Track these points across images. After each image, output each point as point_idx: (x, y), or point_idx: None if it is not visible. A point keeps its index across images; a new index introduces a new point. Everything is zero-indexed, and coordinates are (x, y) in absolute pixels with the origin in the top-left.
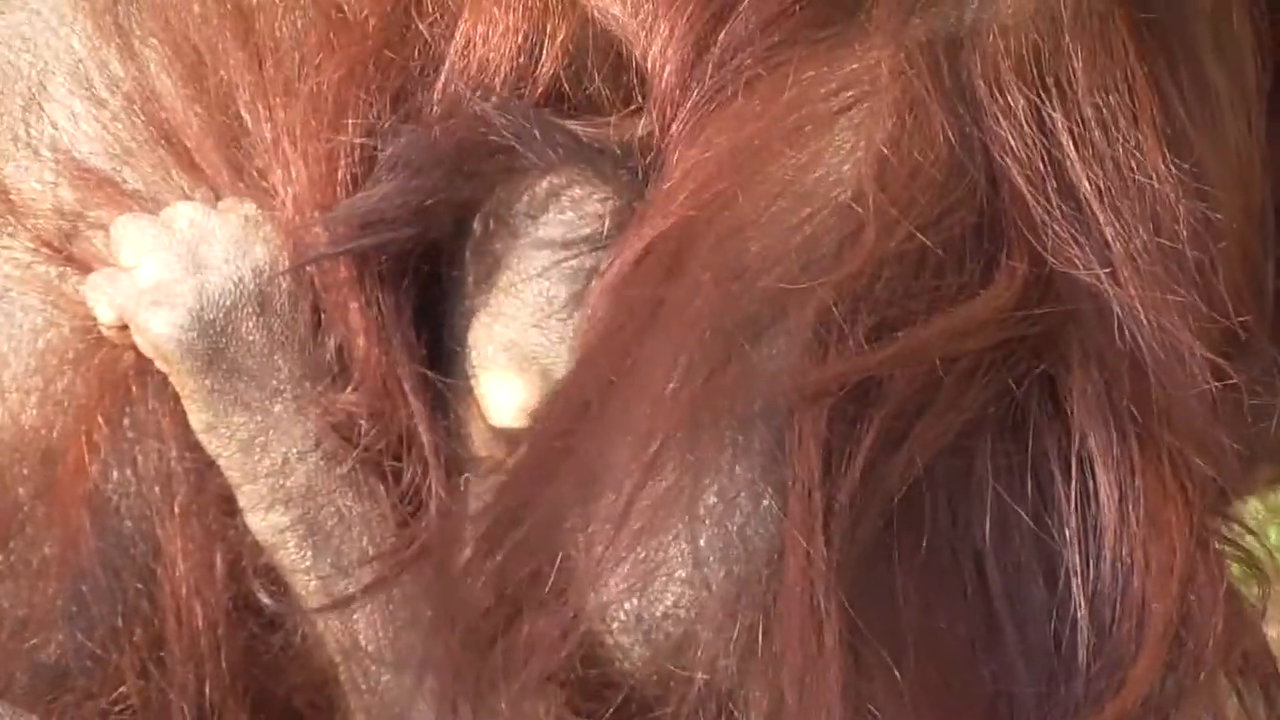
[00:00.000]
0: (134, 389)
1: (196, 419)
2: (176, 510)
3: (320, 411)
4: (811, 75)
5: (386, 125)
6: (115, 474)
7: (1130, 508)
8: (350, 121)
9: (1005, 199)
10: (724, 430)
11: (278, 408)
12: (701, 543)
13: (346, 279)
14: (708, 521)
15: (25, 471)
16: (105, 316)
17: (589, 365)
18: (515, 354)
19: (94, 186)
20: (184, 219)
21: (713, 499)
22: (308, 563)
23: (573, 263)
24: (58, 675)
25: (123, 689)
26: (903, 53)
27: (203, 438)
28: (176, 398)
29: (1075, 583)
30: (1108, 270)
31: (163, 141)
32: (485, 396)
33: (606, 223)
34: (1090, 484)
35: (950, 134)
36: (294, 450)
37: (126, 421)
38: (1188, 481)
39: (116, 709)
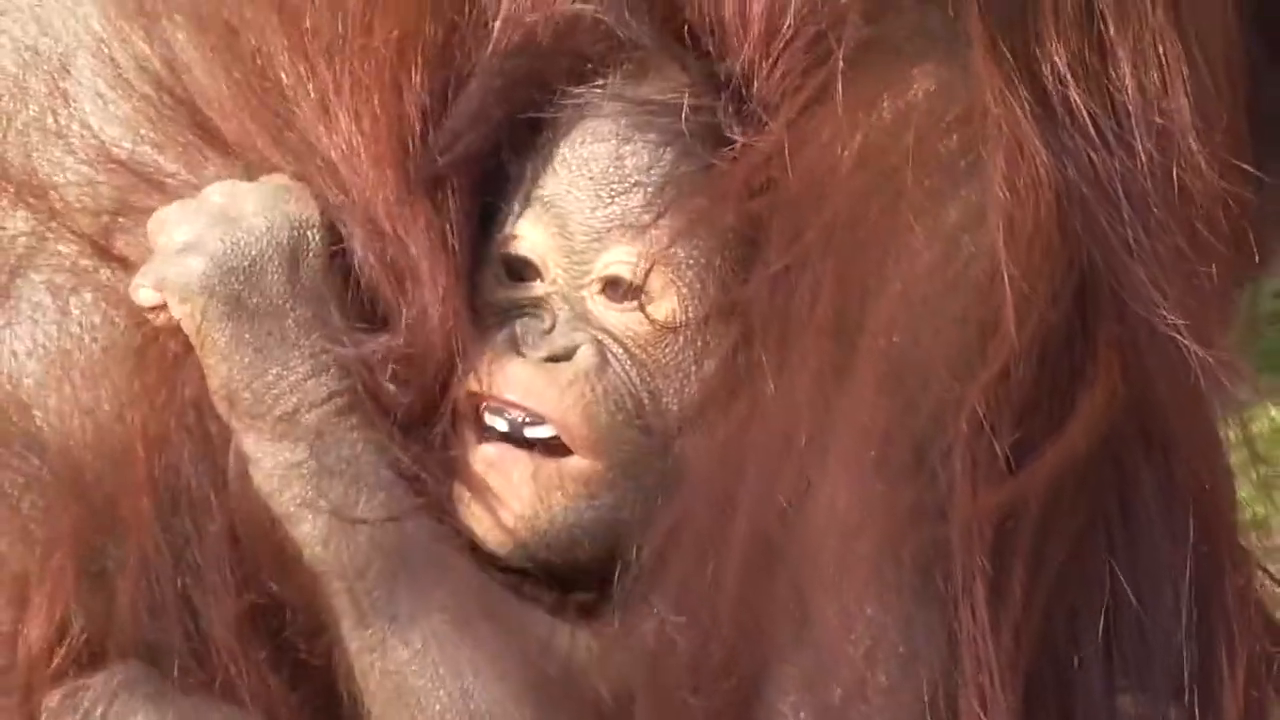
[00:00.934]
0: (185, 378)
1: (215, 373)
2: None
3: (339, 363)
4: (918, 97)
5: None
6: (176, 465)
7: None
8: (414, 75)
9: (1094, 234)
10: (906, 578)
11: (295, 357)
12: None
13: (422, 226)
14: (898, 673)
15: (104, 469)
16: (147, 298)
17: (764, 490)
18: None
19: (130, 178)
20: (217, 193)
21: (901, 648)
22: (316, 497)
23: (637, 137)
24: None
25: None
26: (1002, 83)
27: (218, 395)
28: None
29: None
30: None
31: (195, 120)
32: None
33: (686, 115)
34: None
35: (1053, 174)
36: (306, 400)
37: (180, 415)
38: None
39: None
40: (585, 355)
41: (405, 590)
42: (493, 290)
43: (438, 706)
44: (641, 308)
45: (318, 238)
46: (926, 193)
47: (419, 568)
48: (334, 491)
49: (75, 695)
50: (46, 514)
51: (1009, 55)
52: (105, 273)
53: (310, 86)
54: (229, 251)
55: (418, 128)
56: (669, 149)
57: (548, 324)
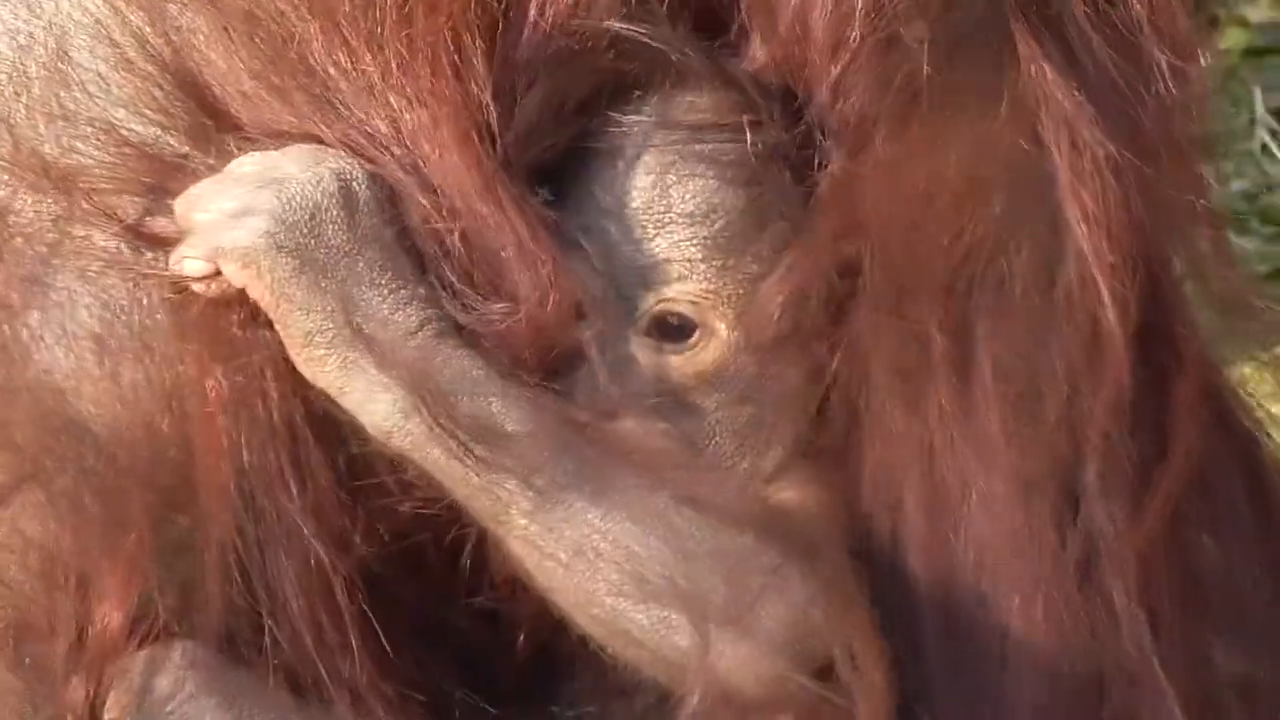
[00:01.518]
0: (238, 350)
1: (296, 327)
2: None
3: (421, 295)
4: (1000, 107)
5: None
6: (236, 446)
7: None
8: (470, 60)
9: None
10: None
11: (375, 295)
12: None
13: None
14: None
15: (164, 449)
16: (195, 268)
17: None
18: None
19: (145, 160)
20: (248, 164)
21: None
22: (445, 422)
23: (685, 165)
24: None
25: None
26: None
27: (303, 351)
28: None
29: None
30: None
31: (208, 101)
32: None
33: (740, 139)
34: None
35: (1106, 149)
36: (400, 329)
37: (236, 389)
38: None
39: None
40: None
41: (581, 467)
42: None
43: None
44: (690, 349)
45: (365, 186)
46: (1014, 208)
47: (583, 449)
48: (461, 411)
49: (145, 673)
50: (107, 500)
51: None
52: (134, 254)
53: (352, 76)
54: (286, 207)
55: (487, 110)
56: (721, 176)
57: (592, 377)
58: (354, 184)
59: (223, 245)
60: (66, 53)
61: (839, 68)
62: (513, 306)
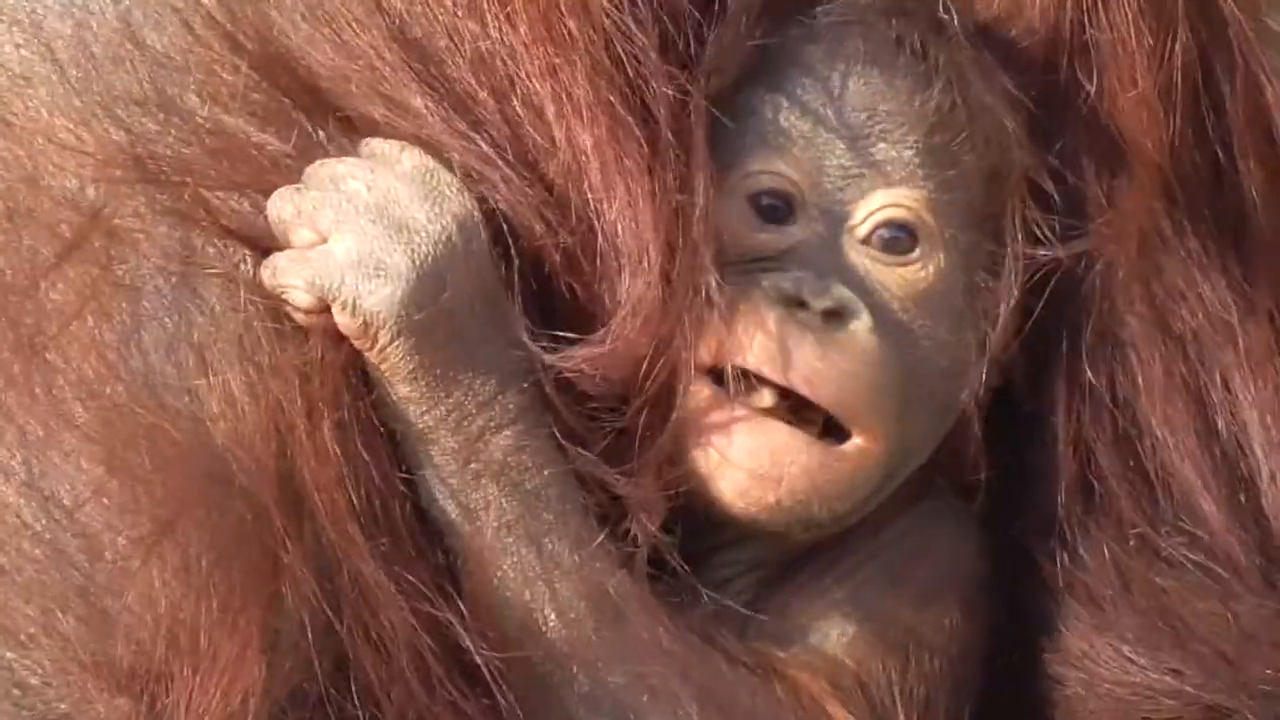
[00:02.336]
0: (337, 381)
1: (394, 390)
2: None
3: (522, 369)
4: None
5: None
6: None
7: None
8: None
9: None
10: None
11: (479, 378)
12: None
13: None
14: None
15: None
16: (302, 300)
17: None
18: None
19: (224, 148)
20: (351, 180)
21: None
22: (512, 526)
23: (901, 62)
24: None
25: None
26: None
27: (396, 410)
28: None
29: None
30: None
31: (293, 84)
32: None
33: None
34: None
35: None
36: (492, 423)
37: (330, 419)
38: None
39: None
40: (863, 325)
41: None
42: (738, 236)
43: None
44: (913, 263)
45: (482, 232)
46: None
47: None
48: (530, 523)
49: None
50: (236, 560)
51: None
52: (224, 255)
53: (462, 39)
54: (419, 274)
55: (632, 53)
56: (942, 77)
57: (810, 279)
58: (473, 231)
59: (348, 300)
60: (132, 31)
61: None
62: (606, 341)
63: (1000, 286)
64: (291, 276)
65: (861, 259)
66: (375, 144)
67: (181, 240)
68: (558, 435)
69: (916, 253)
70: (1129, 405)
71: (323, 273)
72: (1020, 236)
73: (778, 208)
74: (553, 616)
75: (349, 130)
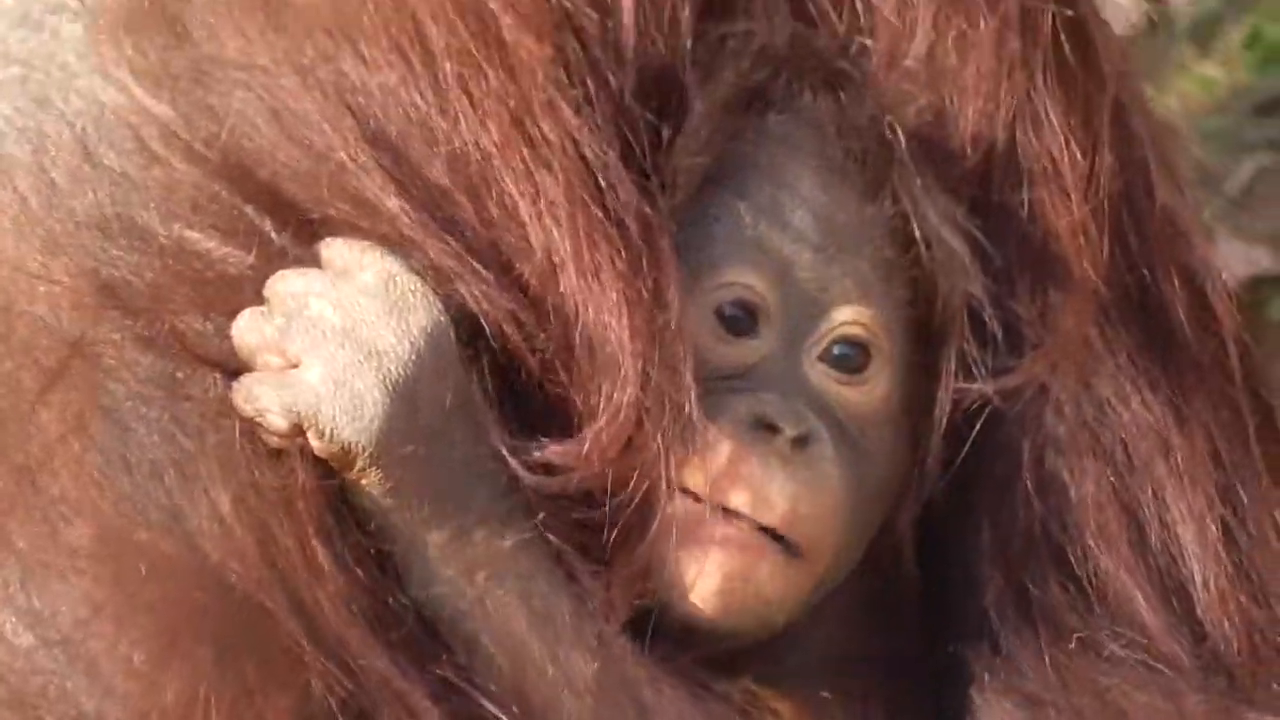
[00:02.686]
0: (319, 500)
1: (377, 503)
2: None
3: (499, 478)
4: None
5: None
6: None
7: None
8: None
9: None
10: None
11: (456, 482)
12: None
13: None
14: None
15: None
16: (278, 424)
17: None
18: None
19: (184, 267)
20: (315, 300)
21: None
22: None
23: (851, 173)
24: None
25: None
26: None
27: (378, 517)
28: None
29: None
30: None
31: (252, 192)
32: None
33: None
34: None
35: None
36: (469, 520)
37: (318, 536)
38: None
39: None
40: (827, 452)
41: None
42: (703, 348)
43: None
44: (866, 381)
45: (451, 337)
46: None
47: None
48: (525, 613)
49: None
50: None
51: None
52: (197, 378)
53: (435, 139)
54: (393, 399)
55: (601, 160)
56: (891, 194)
57: (778, 402)
58: (442, 340)
59: (323, 428)
60: (89, 152)
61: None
62: (583, 445)
63: (934, 416)
64: (266, 402)
65: (819, 376)
66: (336, 249)
67: (156, 364)
68: (539, 529)
69: (869, 370)
70: (1061, 515)
71: (298, 400)
72: (955, 368)
73: (741, 319)
74: (565, 691)
75: (311, 234)
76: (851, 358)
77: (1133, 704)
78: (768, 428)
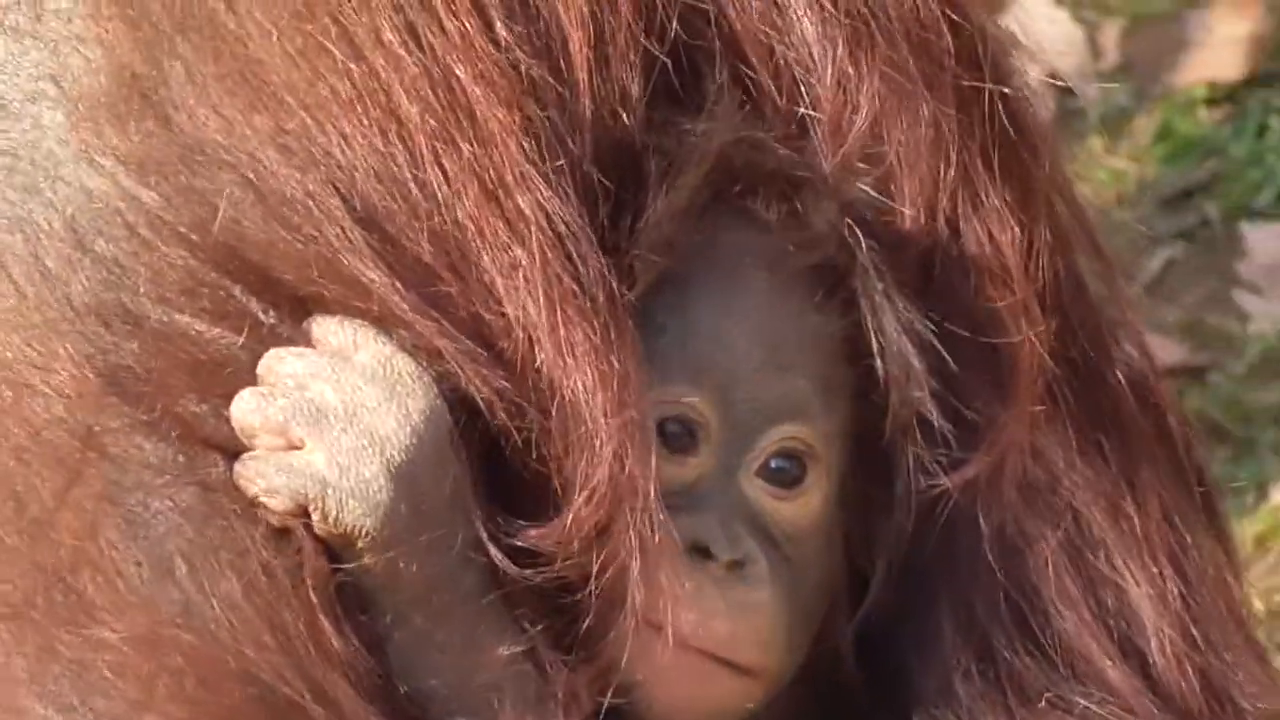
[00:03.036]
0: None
1: (373, 579)
2: None
3: (480, 560)
4: None
5: None
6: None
7: None
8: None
9: None
10: None
11: (448, 567)
12: None
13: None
14: None
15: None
16: (283, 505)
17: None
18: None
19: (190, 351)
20: (315, 382)
21: None
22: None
23: (797, 291)
24: None
25: None
26: None
27: (373, 589)
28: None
29: None
30: None
31: (241, 272)
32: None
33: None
34: None
35: None
36: (457, 596)
37: (326, 615)
38: None
39: None
40: (762, 573)
41: None
42: None
43: None
44: (802, 495)
45: (446, 418)
46: None
47: None
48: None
49: None
50: None
51: None
52: (198, 462)
53: (419, 215)
54: (397, 484)
55: (572, 232)
56: (844, 306)
57: (715, 527)
58: (438, 422)
59: (325, 509)
60: (80, 238)
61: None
62: (558, 527)
63: (876, 516)
64: (270, 483)
65: (756, 491)
66: (328, 328)
67: (158, 450)
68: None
69: (805, 483)
70: (1021, 583)
71: (303, 484)
72: (910, 472)
73: (681, 436)
74: None
75: (303, 312)
76: (787, 471)
77: None
78: (703, 552)
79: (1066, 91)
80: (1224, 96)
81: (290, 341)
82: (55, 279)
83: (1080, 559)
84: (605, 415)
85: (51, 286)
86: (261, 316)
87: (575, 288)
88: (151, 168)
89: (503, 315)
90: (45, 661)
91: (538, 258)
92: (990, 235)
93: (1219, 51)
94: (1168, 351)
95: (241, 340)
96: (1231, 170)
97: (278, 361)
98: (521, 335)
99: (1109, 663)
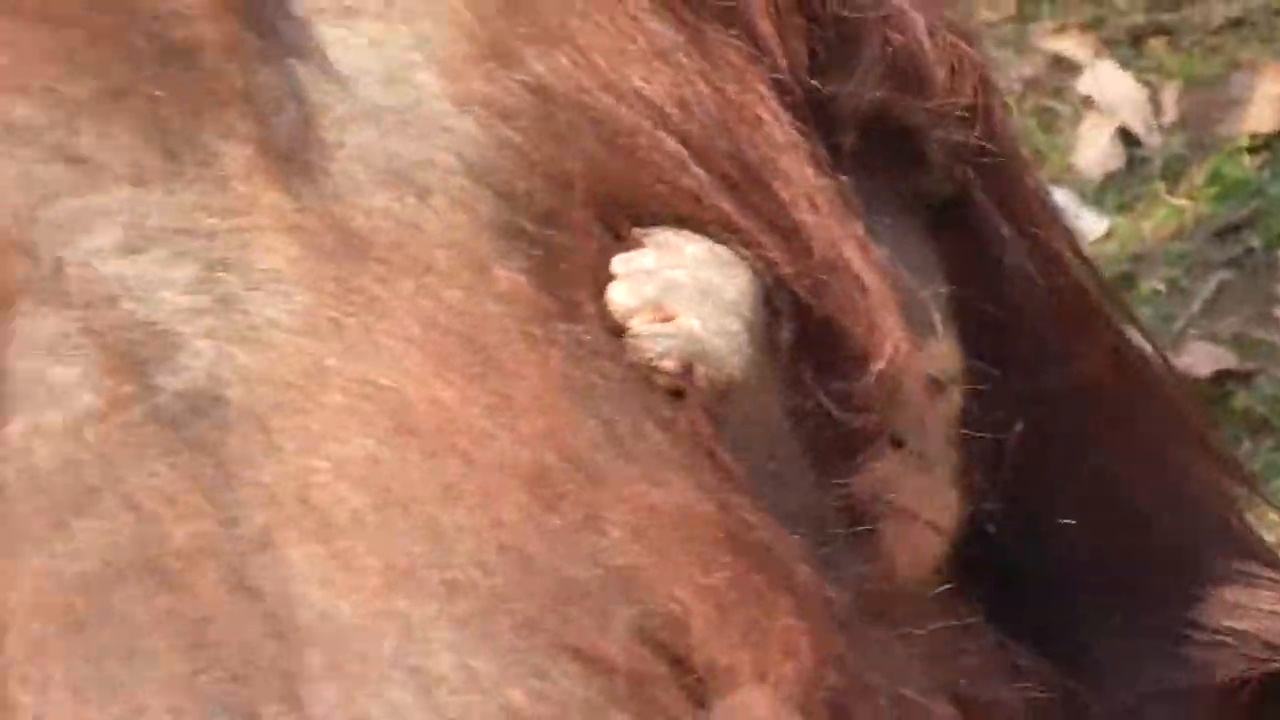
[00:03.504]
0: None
1: (739, 430)
2: None
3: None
4: None
5: None
6: None
7: None
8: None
9: None
10: None
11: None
12: None
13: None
14: None
15: None
16: (674, 367)
17: None
18: None
19: (564, 261)
20: (669, 271)
21: None
22: None
23: None
24: None
25: None
26: None
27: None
28: None
29: None
30: None
31: (587, 196)
32: None
33: None
34: None
35: None
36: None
37: None
38: None
39: None
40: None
41: None
42: None
43: None
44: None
45: (763, 299)
46: None
47: None
48: None
49: None
50: None
51: None
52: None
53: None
54: (751, 338)
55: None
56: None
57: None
58: (760, 297)
59: (709, 358)
60: (474, 173)
61: None
62: (870, 380)
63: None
64: (662, 346)
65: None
66: (656, 233)
67: (581, 334)
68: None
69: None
70: None
71: (687, 344)
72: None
73: None
74: None
75: (634, 223)
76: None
77: None
78: (897, 443)
79: (1134, 142)
80: (1263, 145)
81: (627, 248)
82: (462, 204)
83: None
84: (883, 288)
85: (464, 208)
86: (602, 230)
87: (841, 200)
88: (512, 111)
89: (795, 220)
90: None
91: (811, 167)
92: None
93: (1260, 107)
94: (1221, 359)
95: (595, 248)
96: (1271, 207)
97: (628, 261)
98: (812, 234)
99: None
